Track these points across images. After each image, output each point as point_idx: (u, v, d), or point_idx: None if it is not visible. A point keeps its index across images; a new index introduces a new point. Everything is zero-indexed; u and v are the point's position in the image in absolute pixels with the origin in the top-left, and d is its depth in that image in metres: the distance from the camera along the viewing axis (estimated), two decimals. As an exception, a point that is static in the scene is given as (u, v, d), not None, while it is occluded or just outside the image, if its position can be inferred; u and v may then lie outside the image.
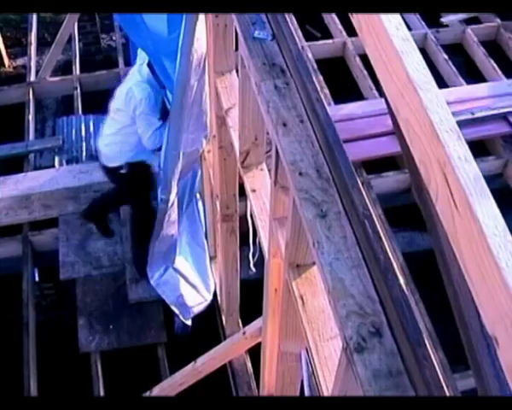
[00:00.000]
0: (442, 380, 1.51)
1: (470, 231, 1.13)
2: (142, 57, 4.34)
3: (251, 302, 3.96)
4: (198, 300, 4.83)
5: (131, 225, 5.16)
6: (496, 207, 1.13)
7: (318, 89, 2.23)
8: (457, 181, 1.15)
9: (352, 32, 6.67)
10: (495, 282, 1.07)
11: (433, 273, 1.85)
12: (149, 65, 4.24)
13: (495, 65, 6.50)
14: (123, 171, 4.65)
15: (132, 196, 5.01)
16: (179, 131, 3.79)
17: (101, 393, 4.49)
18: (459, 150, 1.19)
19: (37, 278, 5.21)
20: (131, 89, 4.31)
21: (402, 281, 1.68)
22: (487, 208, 1.12)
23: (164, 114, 4.33)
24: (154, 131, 4.31)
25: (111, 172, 4.76)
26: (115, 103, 4.49)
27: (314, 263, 2.25)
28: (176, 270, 4.72)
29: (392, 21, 1.42)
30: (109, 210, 5.33)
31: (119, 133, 4.51)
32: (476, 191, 1.13)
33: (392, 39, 1.38)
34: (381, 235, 1.79)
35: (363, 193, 1.91)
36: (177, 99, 3.68)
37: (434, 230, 1.43)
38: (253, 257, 3.88)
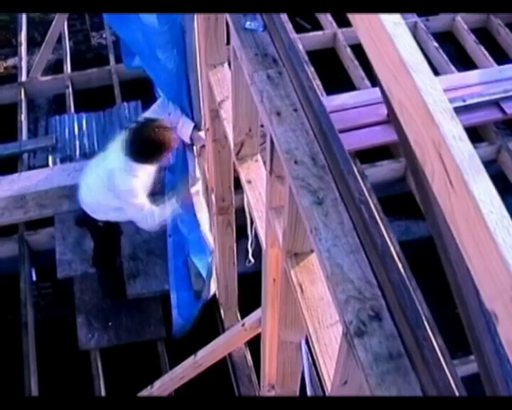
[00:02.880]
0: (442, 361, 1.52)
1: (467, 208, 1.14)
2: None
3: (249, 296, 3.97)
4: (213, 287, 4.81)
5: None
6: (491, 184, 1.14)
7: (311, 77, 2.24)
8: (452, 160, 1.16)
9: (342, 22, 6.66)
10: (492, 258, 1.08)
11: (429, 261, 1.85)
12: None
13: (485, 52, 6.51)
14: (100, 224, 4.38)
15: (100, 250, 4.85)
16: None
17: (102, 390, 4.50)
18: (453, 130, 1.20)
19: (34, 278, 5.20)
20: (113, 173, 3.98)
21: (400, 265, 1.70)
22: (483, 186, 1.13)
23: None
24: (146, 213, 4.08)
25: (88, 218, 4.41)
26: (97, 174, 4.15)
27: (312, 251, 2.26)
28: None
29: (383, 5, 1.43)
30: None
31: (105, 195, 4.13)
32: (471, 169, 1.14)
33: (383, 23, 1.39)
34: (378, 220, 1.80)
35: (359, 179, 1.92)
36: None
37: (431, 211, 1.44)
38: (251, 246, 3.88)
